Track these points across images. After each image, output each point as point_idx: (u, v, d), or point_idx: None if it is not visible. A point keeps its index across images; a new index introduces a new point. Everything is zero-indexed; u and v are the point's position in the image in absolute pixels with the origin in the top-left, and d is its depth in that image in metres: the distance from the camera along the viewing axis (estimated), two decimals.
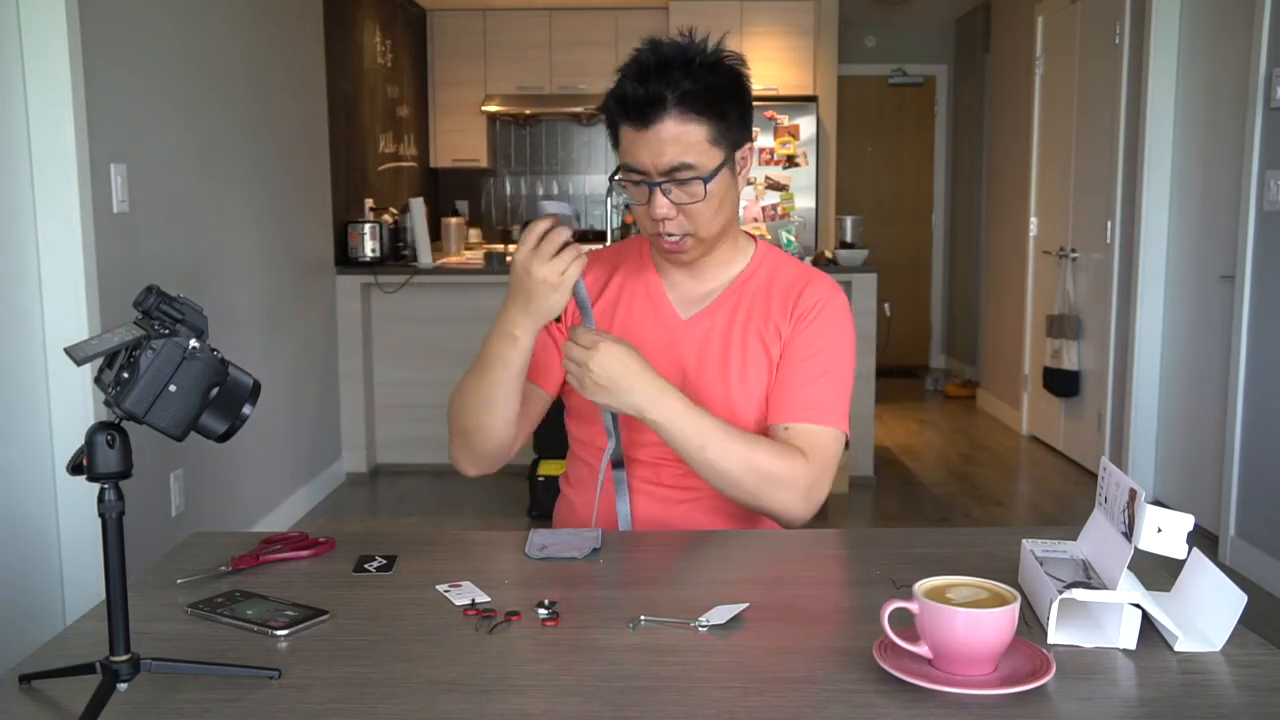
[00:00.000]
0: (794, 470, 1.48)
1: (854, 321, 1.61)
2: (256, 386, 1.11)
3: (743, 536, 1.52)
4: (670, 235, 1.50)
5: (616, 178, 1.51)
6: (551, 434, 1.80)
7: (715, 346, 1.57)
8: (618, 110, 1.46)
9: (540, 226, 1.39)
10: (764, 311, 1.58)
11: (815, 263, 4.99)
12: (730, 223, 1.57)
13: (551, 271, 1.39)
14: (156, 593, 1.28)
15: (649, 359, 1.52)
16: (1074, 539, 1.28)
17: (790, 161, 6.57)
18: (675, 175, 1.45)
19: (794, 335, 1.56)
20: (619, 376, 1.41)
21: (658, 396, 1.43)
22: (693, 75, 1.44)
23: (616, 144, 1.50)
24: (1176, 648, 1.10)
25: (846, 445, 1.59)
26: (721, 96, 1.46)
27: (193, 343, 1.04)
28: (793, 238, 5.51)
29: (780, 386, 1.55)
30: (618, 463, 1.59)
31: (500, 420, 1.52)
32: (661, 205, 1.46)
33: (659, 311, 1.60)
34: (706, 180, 1.46)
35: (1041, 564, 1.20)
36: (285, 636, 1.14)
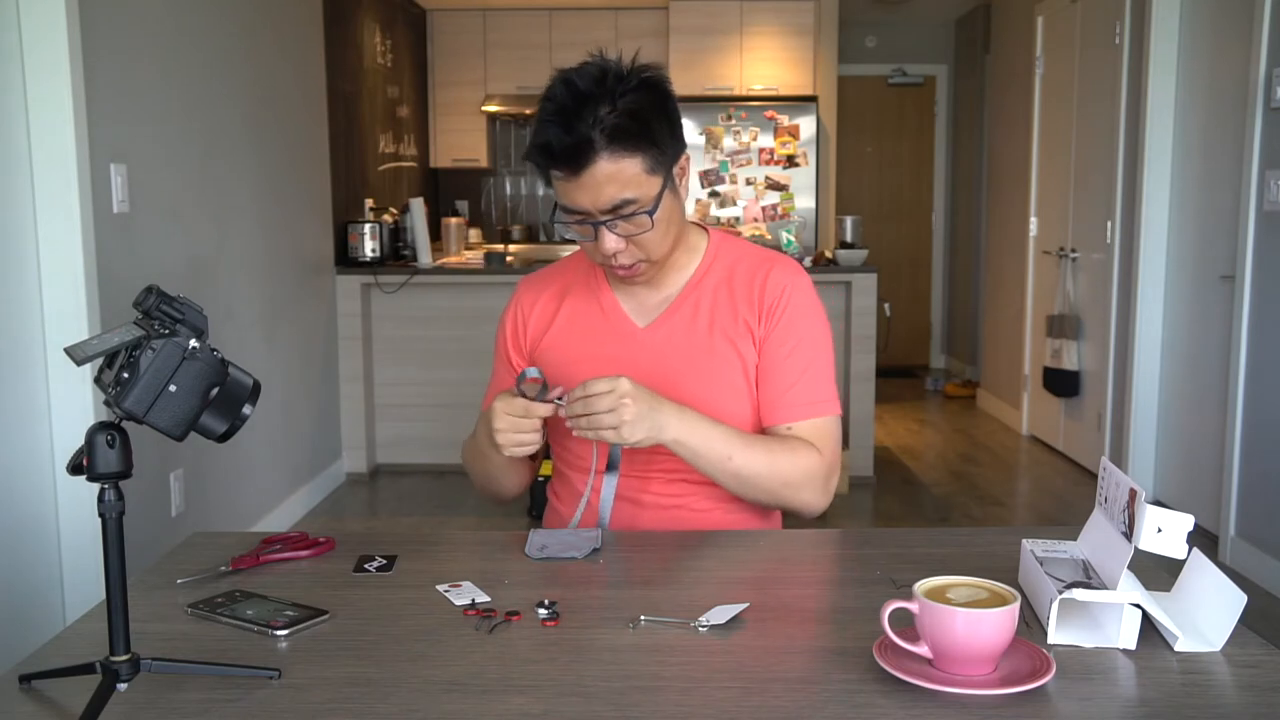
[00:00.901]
0: (812, 467, 1.51)
1: (820, 298, 1.61)
2: (256, 386, 1.11)
3: (743, 536, 1.52)
4: (621, 265, 1.48)
5: (557, 221, 1.47)
6: None
7: (678, 351, 1.56)
8: (545, 161, 1.41)
9: (544, 409, 1.39)
10: (729, 309, 1.56)
11: (815, 263, 4.98)
12: (680, 234, 1.55)
13: (513, 444, 1.41)
14: (156, 593, 1.28)
15: (607, 372, 1.52)
16: (1074, 539, 1.28)
17: (790, 161, 6.57)
18: (618, 212, 1.42)
19: (769, 333, 1.55)
20: (648, 409, 1.39)
21: (682, 417, 1.42)
22: (615, 107, 1.38)
23: (548, 183, 1.46)
24: (1176, 648, 1.10)
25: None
26: (648, 121, 1.41)
27: (193, 343, 1.04)
28: (793, 238, 5.51)
29: (770, 388, 1.55)
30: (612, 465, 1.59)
31: (506, 484, 1.65)
32: (610, 241, 1.44)
33: (614, 324, 1.59)
34: (651, 212, 1.43)
35: (1041, 564, 1.20)
36: (285, 636, 1.14)
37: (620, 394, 1.36)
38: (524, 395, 1.40)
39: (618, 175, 1.40)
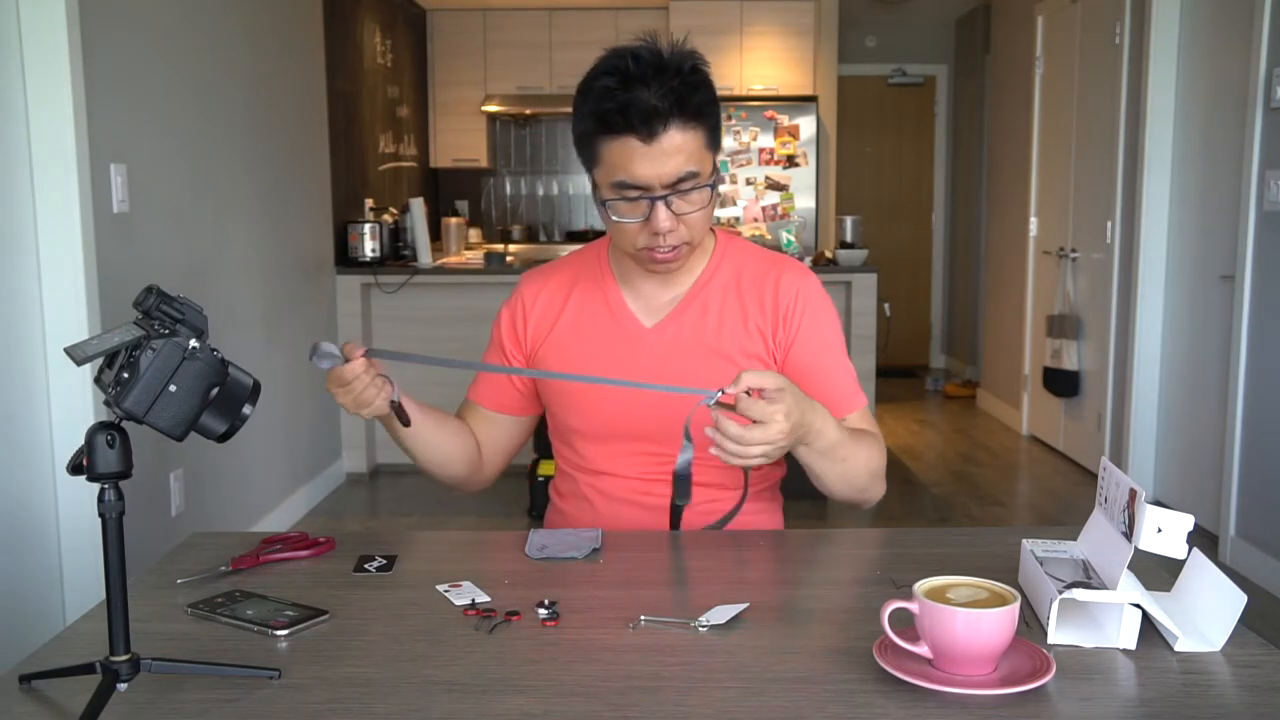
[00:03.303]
0: (883, 459, 1.53)
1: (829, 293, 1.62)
2: (256, 386, 1.11)
3: (743, 536, 1.52)
4: (666, 247, 1.46)
5: (606, 200, 1.43)
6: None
7: (686, 352, 1.54)
8: (620, 123, 1.38)
9: (355, 366, 1.34)
10: (737, 312, 1.55)
11: (815, 263, 4.99)
12: None
13: (361, 404, 1.38)
14: (156, 593, 1.28)
15: (611, 372, 1.51)
16: (1074, 539, 1.28)
17: (790, 161, 6.58)
18: (679, 186, 1.41)
19: (793, 338, 1.54)
20: (803, 413, 1.31)
21: (821, 429, 1.36)
22: (684, 79, 1.39)
23: (594, 162, 1.43)
24: (1176, 648, 1.10)
25: None
26: (710, 98, 1.43)
27: (193, 343, 1.04)
28: (793, 238, 5.51)
29: (811, 387, 1.49)
30: None
31: (435, 463, 1.57)
32: (665, 219, 1.42)
33: (620, 322, 1.57)
34: (713, 187, 1.44)
35: (1041, 564, 1.20)
36: (285, 636, 1.14)
37: (780, 435, 1.28)
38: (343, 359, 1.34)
39: (684, 146, 1.40)
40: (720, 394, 1.27)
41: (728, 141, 6.54)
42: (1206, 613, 1.12)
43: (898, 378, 7.47)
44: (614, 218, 1.44)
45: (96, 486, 1.00)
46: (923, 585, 1.05)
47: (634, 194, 1.42)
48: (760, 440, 1.27)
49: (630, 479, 1.57)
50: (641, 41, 1.43)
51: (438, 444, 1.56)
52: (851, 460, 1.45)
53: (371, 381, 1.37)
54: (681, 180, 1.41)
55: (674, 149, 1.39)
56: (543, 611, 1.19)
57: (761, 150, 6.56)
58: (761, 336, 1.55)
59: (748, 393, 1.28)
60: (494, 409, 1.65)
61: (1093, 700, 1.00)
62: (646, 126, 1.37)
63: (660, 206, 1.41)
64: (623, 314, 1.58)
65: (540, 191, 7.65)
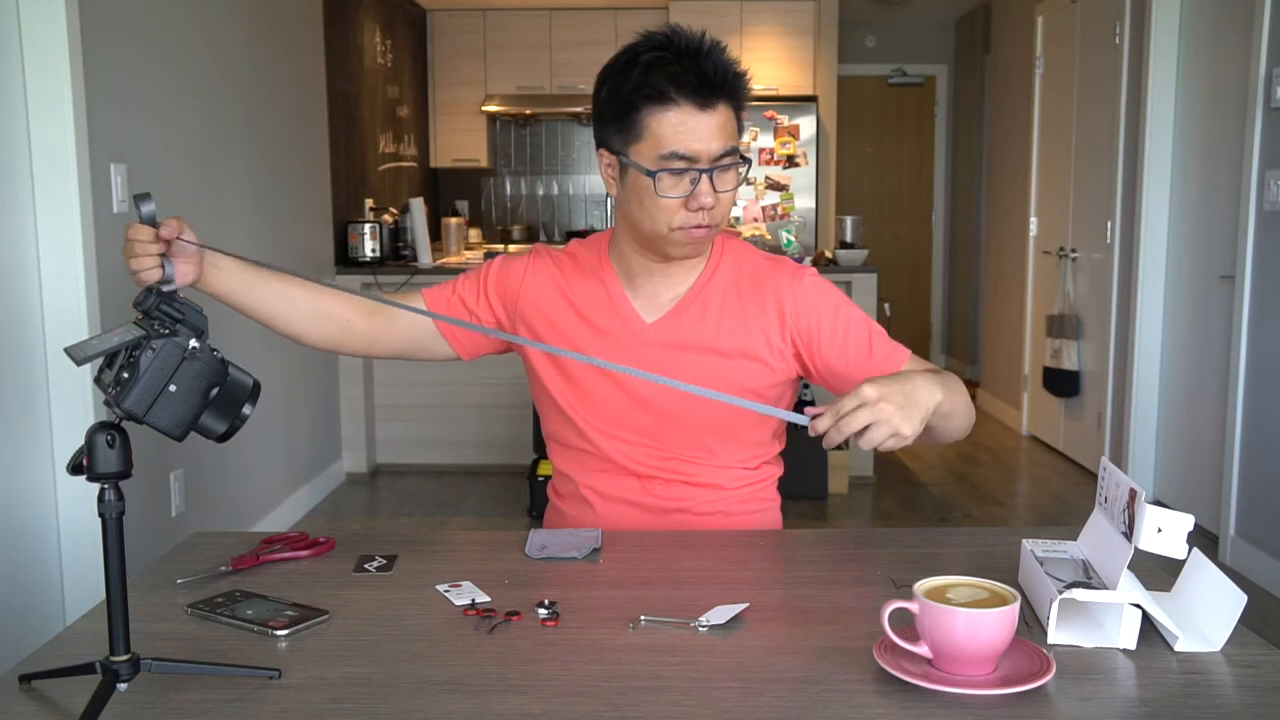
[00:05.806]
0: (960, 382, 1.45)
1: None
2: (256, 387, 1.11)
3: (743, 536, 1.52)
4: (702, 226, 1.45)
5: (654, 172, 1.41)
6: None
7: (686, 350, 1.54)
8: (677, 92, 1.39)
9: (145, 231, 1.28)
10: (737, 315, 1.54)
11: (815, 263, 4.99)
12: None
13: (136, 269, 1.28)
14: (156, 593, 1.28)
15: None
16: (1074, 539, 1.28)
17: (790, 161, 6.57)
18: (721, 161, 1.42)
19: (817, 336, 1.52)
20: (904, 398, 1.24)
21: (928, 381, 1.30)
22: (728, 58, 1.43)
23: (638, 136, 1.42)
24: (1176, 648, 1.10)
25: None
26: (746, 81, 1.46)
27: (193, 343, 1.04)
28: (793, 238, 5.51)
29: (861, 368, 1.50)
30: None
31: (279, 325, 1.54)
32: (709, 194, 1.43)
33: (623, 318, 1.56)
34: (747, 163, 1.47)
35: (1041, 564, 1.20)
36: (285, 636, 1.14)
37: (869, 403, 1.21)
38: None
39: (729, 122, 1.43)
40: (810, 419, 1.24)
41: None
42: (1206, 613, 1.12)
43: None
44: (659, 193, 1.43)
45: (96, 486, 1.00)
46: (923, 585, 1.05)
47: (681, 165, 1.42)
48: (856, 424, 1.21)
49: (629, 477, 1.57)
50: (667, 29, 1.44)
51: (277, 317, 1.53)
52: (959, 406, 1.39)
53: (148, 254, 1.27)
54: (725, 155, 1.43)
55: (721, 122, 1.42)
56: (543, 611, 1.19)
57: (761, 150, 6.56)
58: (764, 336, 1.54)
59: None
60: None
61: (1093, 700, 1.00)
62: (704, 95, 1.40)
63: (706, 179, 1.42)
64: (625, 309, 1.57)
65: (540, 191, 7.65)
